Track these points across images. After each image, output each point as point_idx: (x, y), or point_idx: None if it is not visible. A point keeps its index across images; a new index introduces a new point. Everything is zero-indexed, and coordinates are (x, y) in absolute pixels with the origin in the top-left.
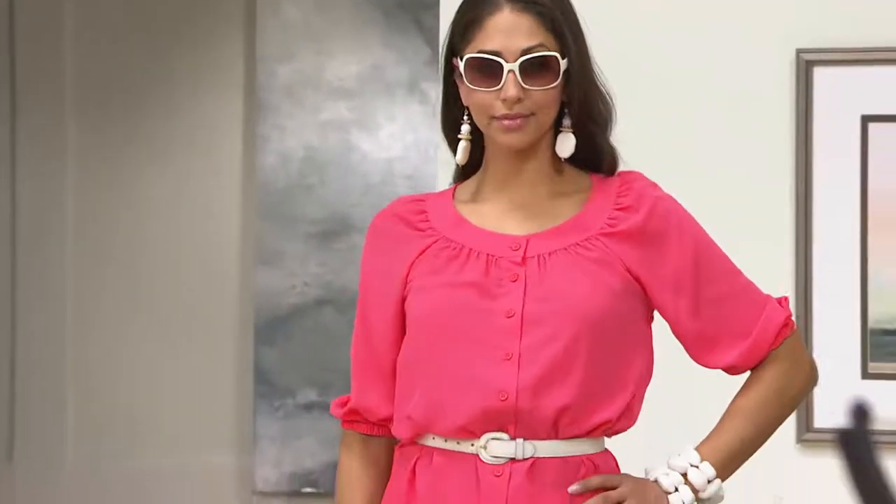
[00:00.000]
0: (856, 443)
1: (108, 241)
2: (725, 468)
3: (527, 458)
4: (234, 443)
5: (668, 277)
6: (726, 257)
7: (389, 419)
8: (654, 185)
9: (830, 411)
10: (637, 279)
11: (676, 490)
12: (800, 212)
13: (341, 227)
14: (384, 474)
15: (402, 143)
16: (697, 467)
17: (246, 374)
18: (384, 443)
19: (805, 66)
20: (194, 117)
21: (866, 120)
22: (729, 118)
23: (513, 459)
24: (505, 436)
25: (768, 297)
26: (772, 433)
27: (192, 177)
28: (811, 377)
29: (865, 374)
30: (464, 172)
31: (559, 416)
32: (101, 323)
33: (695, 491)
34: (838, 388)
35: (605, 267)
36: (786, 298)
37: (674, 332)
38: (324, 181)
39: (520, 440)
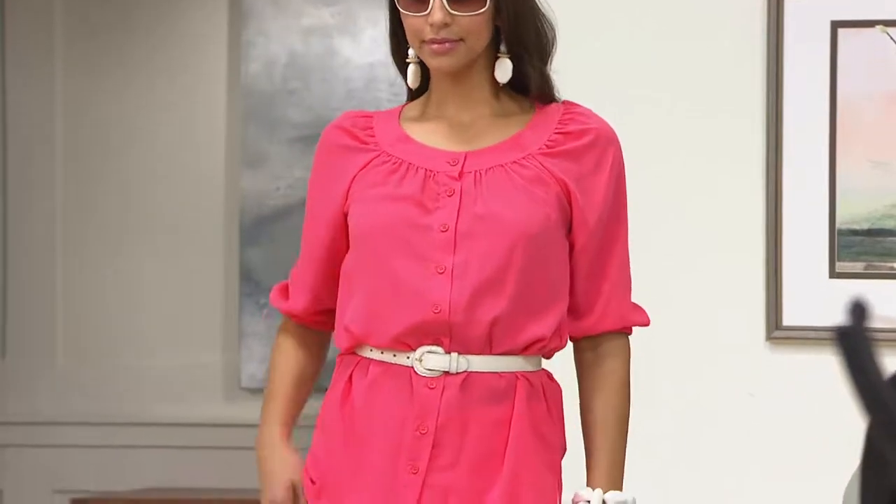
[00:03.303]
0: (854, 340)
1: (96, 146)
2: (619, 475)
3: (460, 372)
4: (221, 341)
5: (595, 208)
6: (627, 248)
7: (311, 315)
8: (608, 127)
9: (799, 309)
10: (567, 192)
11: None
12: (770, 119)
13: None
14: (315, 359)
15: (384, 48)
16: (605, 503)
17: (231, 274)
18: (315, 332)
19: None
20: (180, 24)
21: (836, 25)
22: (699, 24)
23: (447, 373)
24: (440, 349)
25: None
26: (627, 426)
27: (179, 83)
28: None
29: (833, 274)
30: (415, 93)
31: (492, 329)
32: (89, 224)
33: None
34: (806, 286)
35: (540, 185)
36: (643, 310)
37: (571, 247)
38: (307, 86)
39: (454, 354)
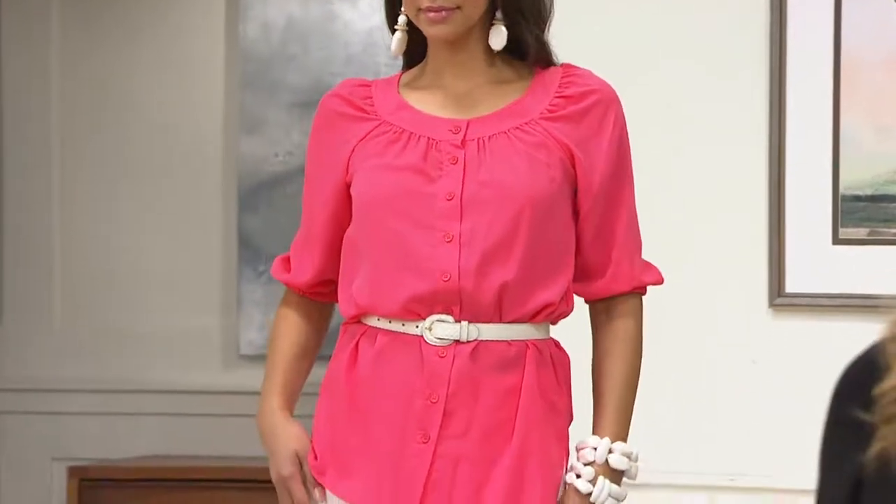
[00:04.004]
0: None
1: (93, 109)
2: (625, 429)
3: (470, 341)
4: (219, 306)
5: (597, 170)
6: (634, 208)
7: (315, 286)
8: (609, 87)
9: (801, 276)
10: (571, 156)
11: (594, 484)
12: (774, 83)
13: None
14: (317, 331)
15: (383, 12)
16: (613, 454)
17: (230, 240)
18: (318, 305)
19: None
20: None
21: None
22: None
23: (457, 342)
24: (450, 318)
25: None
26: (637, 381)
27: (177, 46)
28: (640, 339)
29: (836, 240)
30: (412, 61)
31: (501, 296)
32: (87, 187)
33: (619, 473)
34: (809, 253)
35: (543, 150)
36: (657, 269)
37: (579, 209)
38: (306, 50)
39: (464, 323)
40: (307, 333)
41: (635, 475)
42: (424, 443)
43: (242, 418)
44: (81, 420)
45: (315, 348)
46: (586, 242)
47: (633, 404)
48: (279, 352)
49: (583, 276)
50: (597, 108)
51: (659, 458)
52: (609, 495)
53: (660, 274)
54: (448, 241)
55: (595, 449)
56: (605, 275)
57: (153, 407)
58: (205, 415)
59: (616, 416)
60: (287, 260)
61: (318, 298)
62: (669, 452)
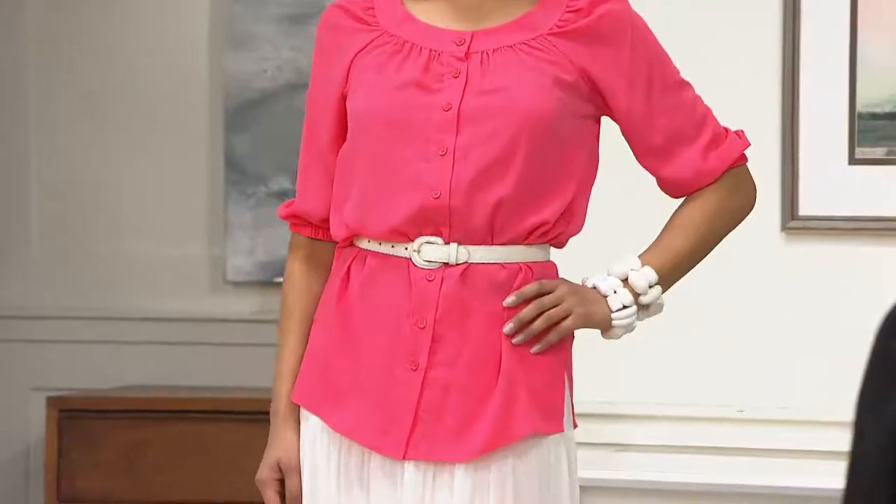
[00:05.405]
0: None
1: (70, 23)
2: (666, 277)
3: (460, 264)
4: (205, 232)
5: (623, 76)
6: (686, 93)
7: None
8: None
9: (816, 198)
10: (588, 77)
11: (615, 292)
12: None
13: (314, 10)
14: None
15: None
16: (638, 271)
17: (216, 162)
18: (329, 246)
19: None
20: None
21: None
22: None
23: (446, 264)
24: (439, 240)
25: (726, 128)
26: (709, 251)
27: None
28: (751, 204)
29: (852, 160)
30: None
31: (494, 217)
32: (64, 108)
33: (635, 294)
34: (824, 174)
35: (551, 65)
36: (742, 132)
37: (624, 134)
38: None
39: (454, 245)
40: (320, 285)
41: (657, 310)
42: (413, 370)
43: (229, 347)
44: (61, 349)
45: None
46: (651, 153)
47: (691, 266)
48: (291, 328)
49: (671, 186)
50: (607, 19)
51: (666, 388)
52: (623, 305)
53: (743, 140)
54: (441, 155)
55: (618, 260)
56: (687, 182)
57: (136, 335)
58: (190, 343)
59: (661, 251)
60: (291, 201)
61: (330, 237)
62: (677, 378)
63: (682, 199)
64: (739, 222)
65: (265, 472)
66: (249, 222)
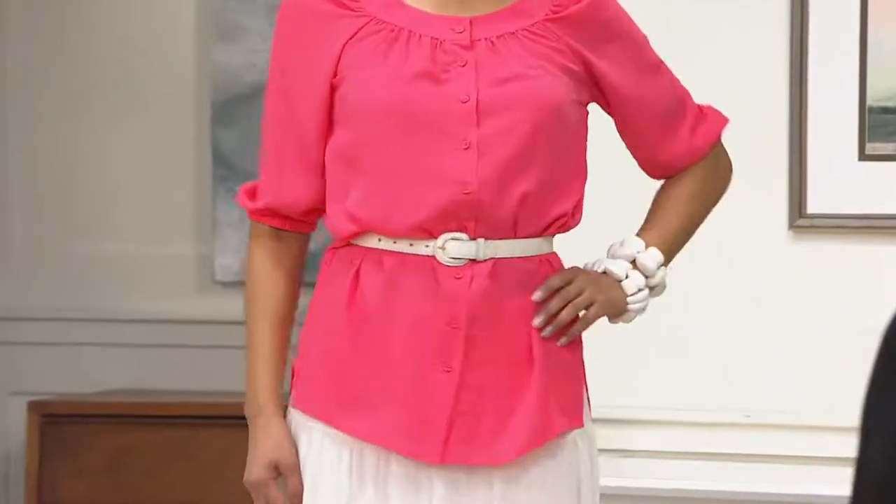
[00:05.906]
0: None
1: (55, 13)
2: (668, 254)
3: (487, 260)
4: (192, 229)
5: (615, 61)
6: (665, 79)
7: (311, 213)
8: None
9: (824, 195)
10: (586, 63)
11: (627, 277)
12: None
13: None
14: (294, 274)
15: None
16: (644, 252)
17: (204, 157)
18: (296, 238)
19: None
20: None
21: None
22: None
23: (473, 261)
24: (464, 236)
25: (701, 105)
26: (697, 229)
27: None
28: (730, 179)
29: (862, 156)
30: None
31: (519, 210)
32: (46, 100)
33: (645, 276)
34: (833, 170)
35: (556, 53)
36: (712, 106)
37: (617, 118)
38: None
39: (480, 240)
40: (286, 282)
41: (661, 291)
42: (448, 371)
43: (217, 349)
44: (42, 351)
45: (295, 303)
46: (640, 137)
47: (684, 242)
48: (259, 324)
49: (666, 168)
50: (594, 5)
51: (672, 392)
52: (638, 288)
53: (721, 117)
54: (465, 149)
55: (622, 244)
56: (672, 164)
57: (121, 337)
58: (177, 346)
59: (659, 231)
60: (255, 191)
61: (302, 229)
62: (683, 386)
63: (662, 180)
64: (721, 197)
65: (261, 473)
66: (238, 220)
